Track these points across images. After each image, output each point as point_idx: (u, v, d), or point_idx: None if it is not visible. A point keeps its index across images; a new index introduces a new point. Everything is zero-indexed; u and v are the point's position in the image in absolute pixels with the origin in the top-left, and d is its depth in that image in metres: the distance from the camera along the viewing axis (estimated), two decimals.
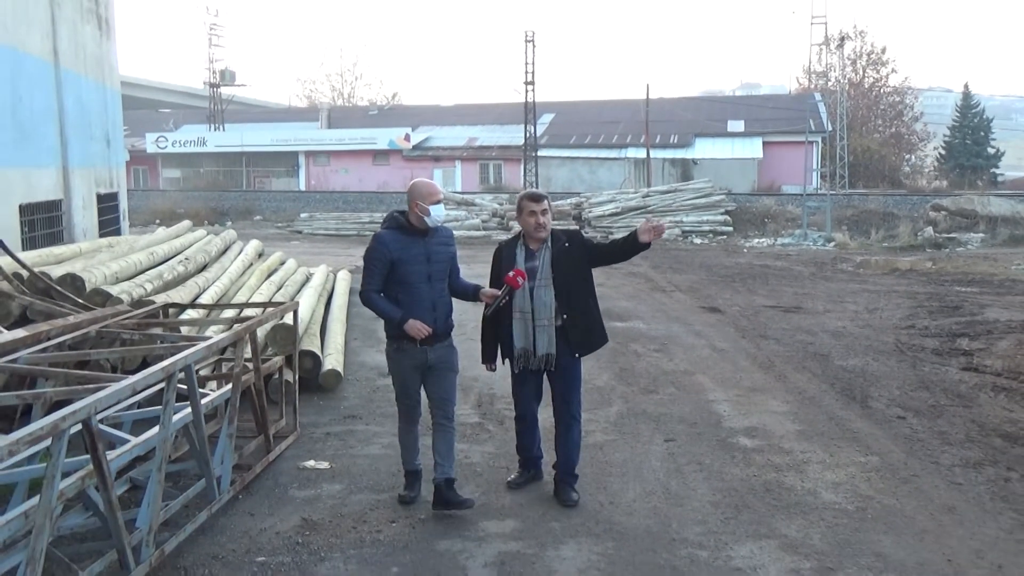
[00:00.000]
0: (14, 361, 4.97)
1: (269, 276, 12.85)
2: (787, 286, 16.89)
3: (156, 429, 4.37)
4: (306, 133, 52.99)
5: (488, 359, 5.83)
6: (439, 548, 4.85)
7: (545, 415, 5.95)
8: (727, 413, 7.76)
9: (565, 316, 5.56)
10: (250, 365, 6.14)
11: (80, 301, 7.09)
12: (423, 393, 5.59)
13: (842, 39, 54.38)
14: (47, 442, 3.29)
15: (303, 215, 33.72)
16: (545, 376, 5.73)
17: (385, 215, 5.67)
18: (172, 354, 4.84)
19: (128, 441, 4.35)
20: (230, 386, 5.61)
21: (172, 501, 4.82)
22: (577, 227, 28.03)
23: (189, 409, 4.83)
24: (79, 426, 3.50)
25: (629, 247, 5.54)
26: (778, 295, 15.58)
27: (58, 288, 7.15)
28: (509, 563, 4.67)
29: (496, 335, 5.74)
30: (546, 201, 5.68)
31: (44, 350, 5.30)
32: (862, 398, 8.30)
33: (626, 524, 5.22)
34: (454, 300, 5.63)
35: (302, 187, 49.81)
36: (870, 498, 5.67)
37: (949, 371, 9.47)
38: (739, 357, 10.16)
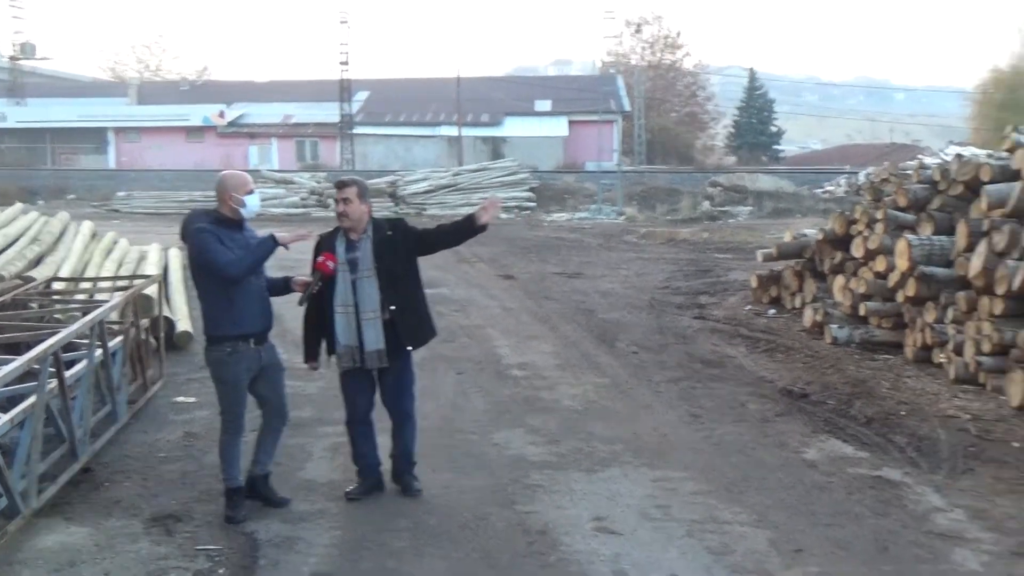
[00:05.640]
0: None
1: (108, 254, 14.15)
2: (575, 256, 19.53)
3: (84, 363, 6.13)
4: (115, 109, 52.03)
5: (311, 356, 5.61)
6: (290, 443, 6.76)
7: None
8: (506, 354, 10.05)
9: (393, 308, 5.35)
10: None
11: None
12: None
13: (639, 25, 58.60)
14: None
15: (120, 194, 33.91)
16: (375, 372, 5.53)
17: (188, 216, 5.33)
18: (83, 315, 6.58)
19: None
20: (120, 338, 7.33)
21: (92, 417, 6.59)
22: (395, 208, 29.91)
23: (99, 351, 6.57)
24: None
25: (465, 230, 5.42)
26: (566, 263, 18.16)
27: None
28: (340, 448, 6.69)
29: (319, 330, 5.49)
30: (354, 188, 5.33)
31: None
32: (611, 341, 10.79)
33: (424, 424, 7.21)
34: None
35: (112, 165, 49.00)
36: (594, 402, 8.09)
37: (683, 320, 12.15)
38: (523, 314, 12.53)
